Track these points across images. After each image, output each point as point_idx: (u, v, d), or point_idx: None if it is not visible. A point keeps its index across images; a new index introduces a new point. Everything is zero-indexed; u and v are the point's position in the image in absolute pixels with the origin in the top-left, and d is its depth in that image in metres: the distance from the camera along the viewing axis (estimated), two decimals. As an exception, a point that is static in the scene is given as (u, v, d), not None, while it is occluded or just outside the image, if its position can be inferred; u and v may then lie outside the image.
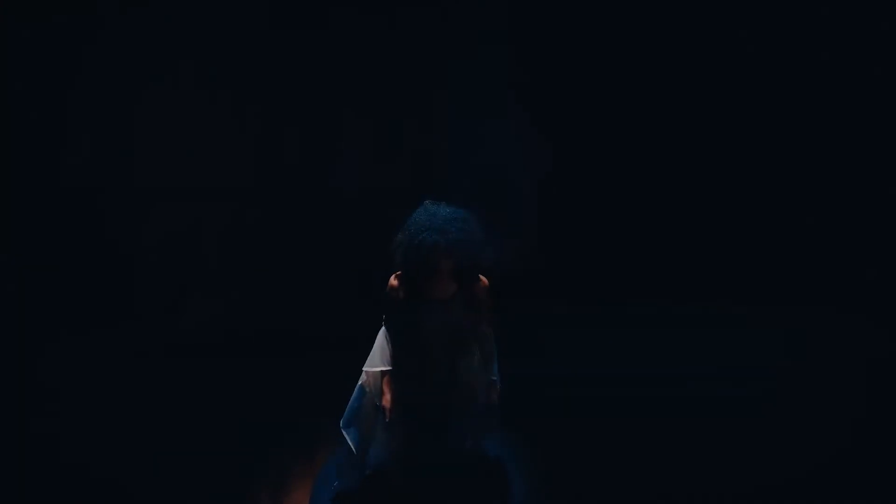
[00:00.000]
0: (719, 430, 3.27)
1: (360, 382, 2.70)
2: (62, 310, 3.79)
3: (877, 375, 3.52)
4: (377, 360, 2.63)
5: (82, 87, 3.80)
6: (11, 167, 3.67)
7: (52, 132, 3.79)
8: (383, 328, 2.65)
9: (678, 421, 3.35)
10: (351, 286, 3.87)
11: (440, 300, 2.55)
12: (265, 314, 4.09)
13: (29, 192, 3.75)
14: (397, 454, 2.65)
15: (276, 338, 3.97)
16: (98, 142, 3.90)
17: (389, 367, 2.60)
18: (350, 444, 2.74)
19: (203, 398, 3.50)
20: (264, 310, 4.11)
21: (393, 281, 2.57)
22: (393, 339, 2.61)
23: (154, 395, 3.48)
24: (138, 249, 4.06)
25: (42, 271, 3.79)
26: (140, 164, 3.99)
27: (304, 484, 2.96)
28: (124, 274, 4.03)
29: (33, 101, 3.70)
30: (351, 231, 4.03)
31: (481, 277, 2.58)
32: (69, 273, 3.89)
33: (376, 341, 2.65)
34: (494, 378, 2.72)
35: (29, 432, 3.14)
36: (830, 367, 3.64)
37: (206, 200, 4.12)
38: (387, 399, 2.57)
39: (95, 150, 3.90)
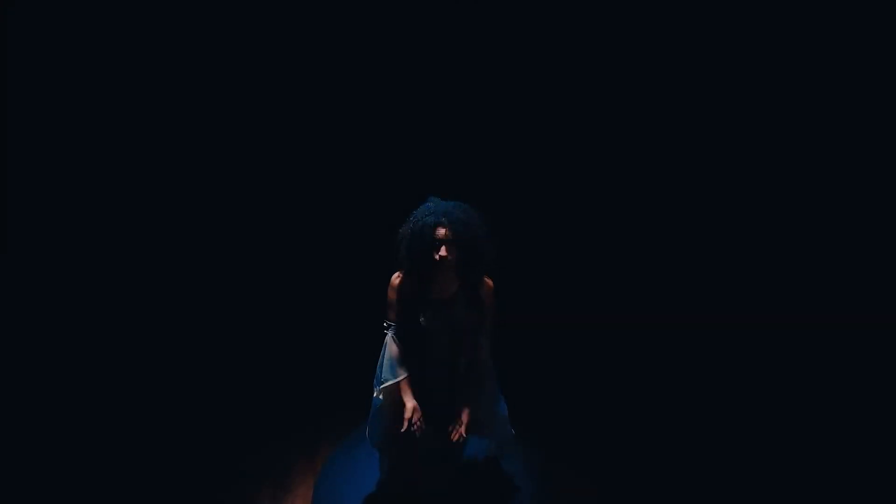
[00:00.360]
0: (719, 430, 3.27)
1: (375, 395, 2.62)
2: (61, 309, 3.77)
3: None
4: (389, 373, 2.55)
5: (82, 86, 3.75)
6: (10, 167, 3.63)
7: (52, 131, 3.75)
8: (388, 337, 2.59)
9: (678, 420, 3.36)
10: (349, 286, 3.86)
11: (442, 299, 2.54)
12: (267, 313, 4.10)
13: (29, 192, 3.72)
14: (405, 452, 2.64)
15: (279, 335, 3.98)
16: (99, 141, 3.87)
17: (405, 375, 2.54)
18: (378, 452, 2.76)
19: (205, 396, 3.49)
20: (266, 308, 4.12)
21: (395, 279, 2.56)
22: (397, 341, 2.57)
23: (156, 393, 3.47)
24: (139, 249, 4.05)
25: (42, 271, 3.78)
26: (141, 163, 3.96)
27: (306, 481, 2.96)
28: (124, 273, 4.02)
29: (33, 100, 3.65)
30: (357, 229, 4.04)
31: (486, 279, 2.57)
32: (68, 272, 3.87)
33: (384, 354, 2.58)
34: (494, 382, 2.71)
35: (29, 432, 3.12)
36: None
37: (207, 199, 4.11)
38: (408, 407, 2.51)
39: (96, 149, 3.87)
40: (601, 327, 3.93)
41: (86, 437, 3.14)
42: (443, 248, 2.41)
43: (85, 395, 3.40)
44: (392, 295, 2.55)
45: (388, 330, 2.58)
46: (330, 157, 4.10)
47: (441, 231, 2.42)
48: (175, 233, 4.10)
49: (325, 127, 4.04)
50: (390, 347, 2.56)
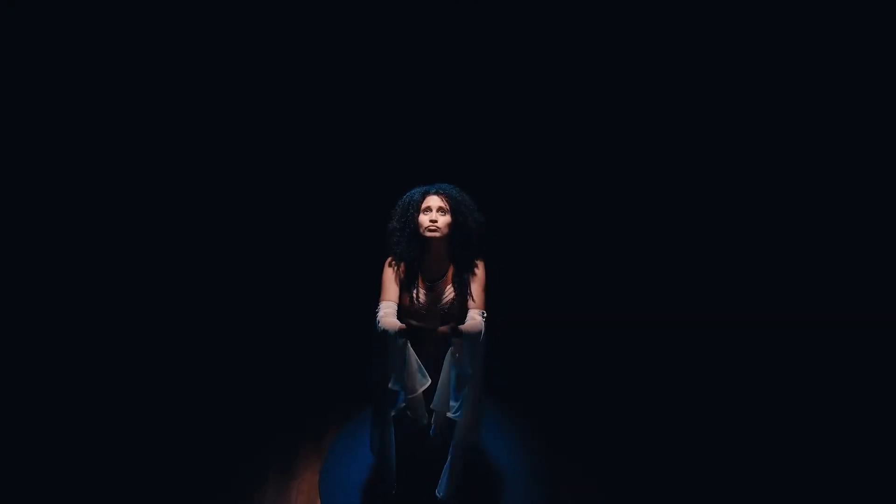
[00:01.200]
0: (720, 430, 3.28)
1: (394, 410, 2.60)
2: (62, 310, 3.77)
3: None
4: (415, 384, 2.51)
5: (83, 85, 3.68)
6: (9, 167, 3.58)
7: (52, 131, 3.70)
8: (378, 316, 2.50)
9: (679, 420, 3.37)
10: (350, 283, 3.85)
11: (434, 280, 2.58)
12: (272, 307, 4.13)
13: (28, 191, 3.68)
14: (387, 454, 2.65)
15: (287, 329, 4.01)
16: (99, 140, 3.82)
17: (428, 382, 2.52)
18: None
19: (215, 390, 3.53)
20: (271, 303, 4.15)
21: (388, 261, 2.59)
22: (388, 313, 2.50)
23: (158, 389, 3.50)
24: (138, 249, 4.04)
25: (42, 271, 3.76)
26: (139, 163, 3.92)
27: (312, 466, 3.01)
28: (124, 272, 4.01)
29: (33, 99, 3.58)
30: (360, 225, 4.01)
31: (476, 262, 2.60)
32: (69, 272, 3.86)
33: (377, 336, 2.48)
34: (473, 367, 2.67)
35: (30, 432, 3.13)
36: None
37: (208, 198, 4.08)
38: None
39: (94, 149, 3.82)
40: (601, 327, 3.94)
41: (96, 432, 3.17)
42: (434, 212, 2.49)
43: (96, 390, 3.43)
44: (385, 276, 2.58)
45: (378, 311, 2.52)
46: (329, 153, 4.05)
47: (432, 199, 2.51)
48: (181, 233, 4.09)
49: (321, 128, 3.98)
50: (383, 321, 2.45)
